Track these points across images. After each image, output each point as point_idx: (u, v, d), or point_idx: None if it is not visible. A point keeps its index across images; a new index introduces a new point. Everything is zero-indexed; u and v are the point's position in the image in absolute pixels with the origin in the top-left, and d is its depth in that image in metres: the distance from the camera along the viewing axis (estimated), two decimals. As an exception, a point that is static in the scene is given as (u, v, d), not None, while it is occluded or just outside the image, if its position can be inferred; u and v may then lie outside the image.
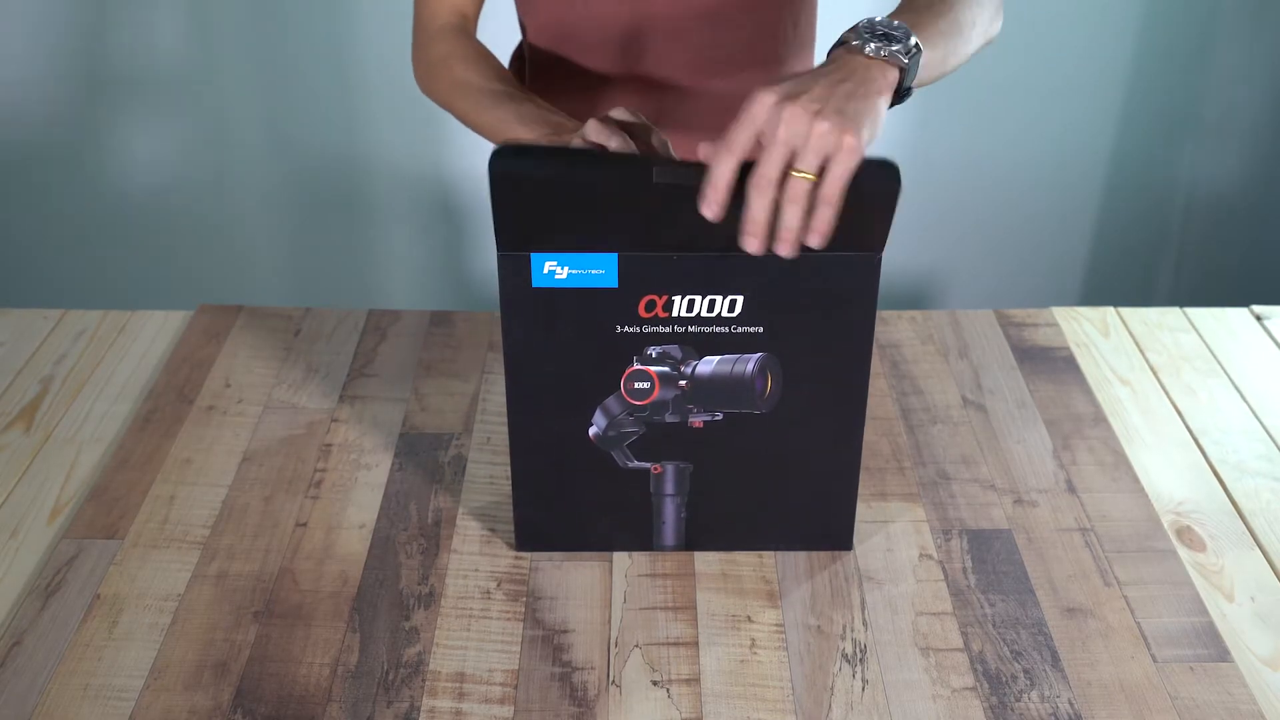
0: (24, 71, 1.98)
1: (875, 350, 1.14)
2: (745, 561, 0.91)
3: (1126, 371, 1.13)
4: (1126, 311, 1.22)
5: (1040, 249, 2.22)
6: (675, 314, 0.84)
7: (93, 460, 1.01)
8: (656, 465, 0.90)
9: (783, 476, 0.90)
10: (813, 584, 0.89)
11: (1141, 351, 1.16)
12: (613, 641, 0.85)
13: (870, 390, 1.09)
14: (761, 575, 0.90)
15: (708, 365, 0.85)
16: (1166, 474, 1.01)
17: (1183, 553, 0.92)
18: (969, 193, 2.15)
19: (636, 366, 0.86)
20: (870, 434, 1.04)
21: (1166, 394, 1.10)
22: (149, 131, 2.05)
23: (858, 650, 0.84)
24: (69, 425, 1.06)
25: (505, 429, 1.03)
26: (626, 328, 0.84)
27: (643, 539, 0.92)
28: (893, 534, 0.94)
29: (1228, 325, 1.20)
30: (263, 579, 0.89)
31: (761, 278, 0.82)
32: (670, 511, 0.91)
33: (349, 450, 1.02)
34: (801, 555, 0.91)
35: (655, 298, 0.83)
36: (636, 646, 0.84)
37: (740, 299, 0.83)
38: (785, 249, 0.75)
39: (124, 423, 1.06)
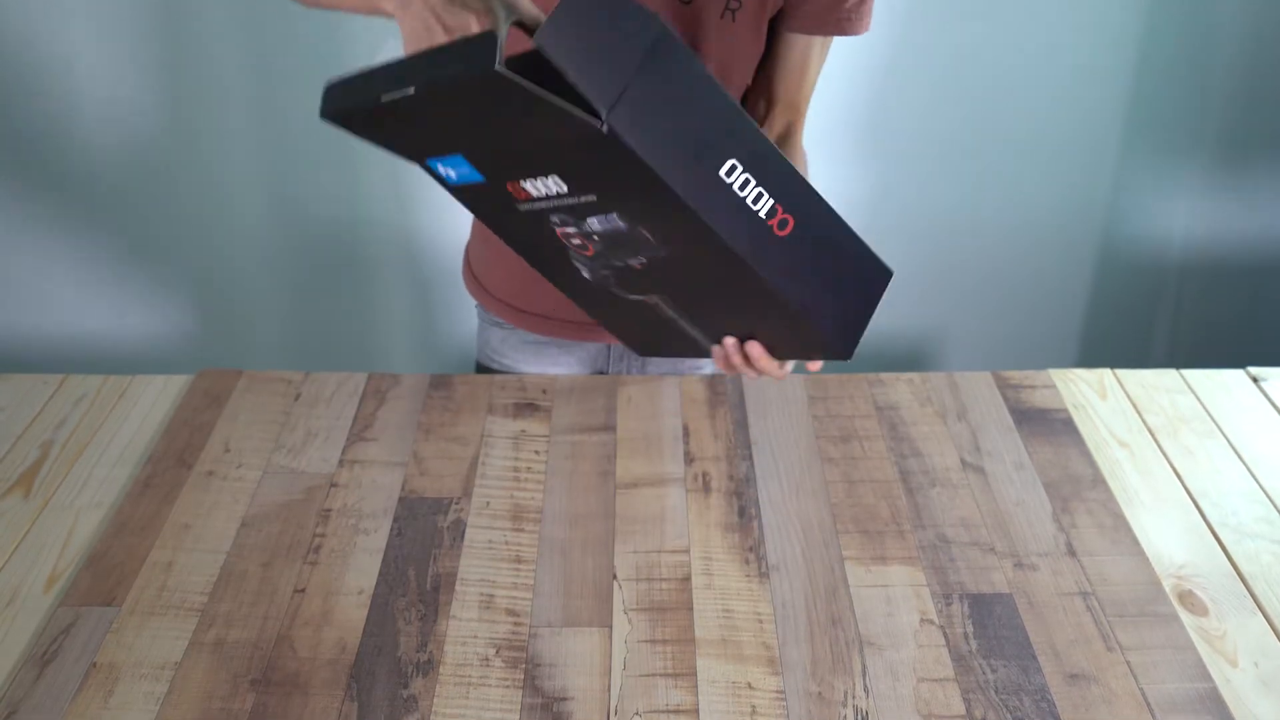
0: (19, 134, 2.00)
1: (873, 413, 1.15)
2: (745, 627, 0.90)
3: (1124, 433, 1.14)
4: (1123, 373, 1.23)
5: (1036, 311, 2.23)
6: (533, 195, 0.90)
7: (91, 526, 1.01)
8: (647, 297, 0.98)
9: (733, 298, 0.91)
10: (813, 649, 0.88)
11: (1139, 413, 1.17)
12: (612, 710, 0.84)
13: (868, 453, 1.10)
14: (762, 641, 0.89)
15: (595, 223, 0.90)
16: (1167, 536, 1.00)
17: (1185, 617, 0.92)
18: (965, 256, 2.17)
19: (559, 230, 0.93)
20: (869, 496, 1.04)
21: (1165, 456, 1.11)
22: (150, 196, 2.07)
23: (859, 718, 0.83)
24: (68, 491, 1.06)
25: (505, 495, 1.03)
26: (523, 206, 0.92)
27: (696, 348, 1.05)
28: (893, 598, 0.93)
29: (1224, 387, 1.21)
30: (260, 646, 0.88)
31: (552, 157, 0.84)
32: (688, 327, 1.01)
33: (348, 515, 1.02)
34: (802, 620, 0.91)
35: (511, 184, 0.90)
36: (636, 715, 0.84)
37: (555, 176, 0.86)
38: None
39: (123, 488, 1.06)
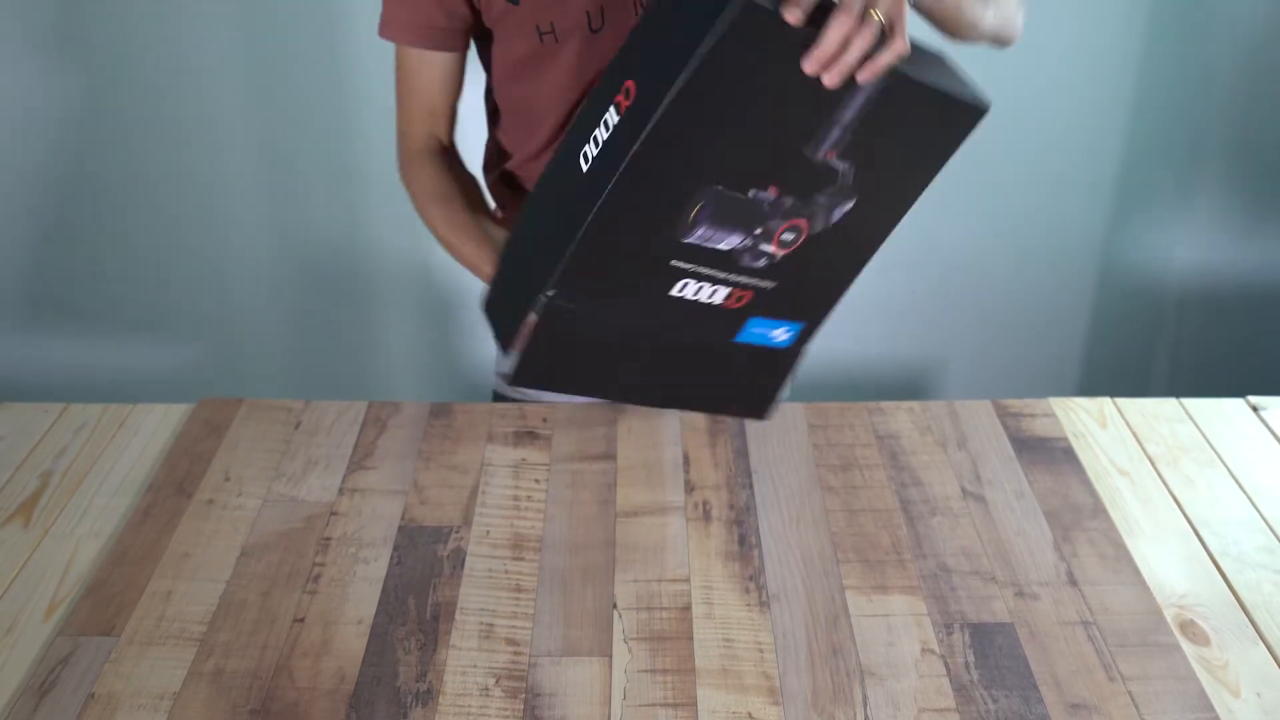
0: (20, 162, 2.01)
1: (873, 442, 1.15)
2: (746, 657, 0.90)
3: (1125, 462, 1.14)
4: (1123, 402, 1.23)
5: (1036, 339, 2.24)
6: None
7: (90, 555, 1.01)
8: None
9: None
10: (814, 679, 0.88)
11: (1139, 442, 1.17)
12: (612, 739, 0.84)
13: (869, 481, 1.10)
14: (762, 670, 0.89)
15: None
16: (1168, 566, 1.00)
17: (1186, 647, 0.91)
18: (965, 285, 2.17)
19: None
20: (870, 525, 1.04)
21: (1165, 485, 1.10)
22: (149, 224, 2.07)
23: (860, 748, 0.83)
24: (67, 520, 1.05)
25: (506, 524, 1.03)
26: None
27: None
28: (894, 628, 0.93)
29: (1224, 416, 1.21)
30: (259, 676, 0.88)
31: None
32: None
33: (348, 544, 1.02)
34: (803, 650, 0.91)
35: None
36: (636, 745, 0.83)
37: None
38: (837, 77, 0.79)
39: (123, 517, 1.06)
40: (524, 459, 1.13)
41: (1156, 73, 2.06)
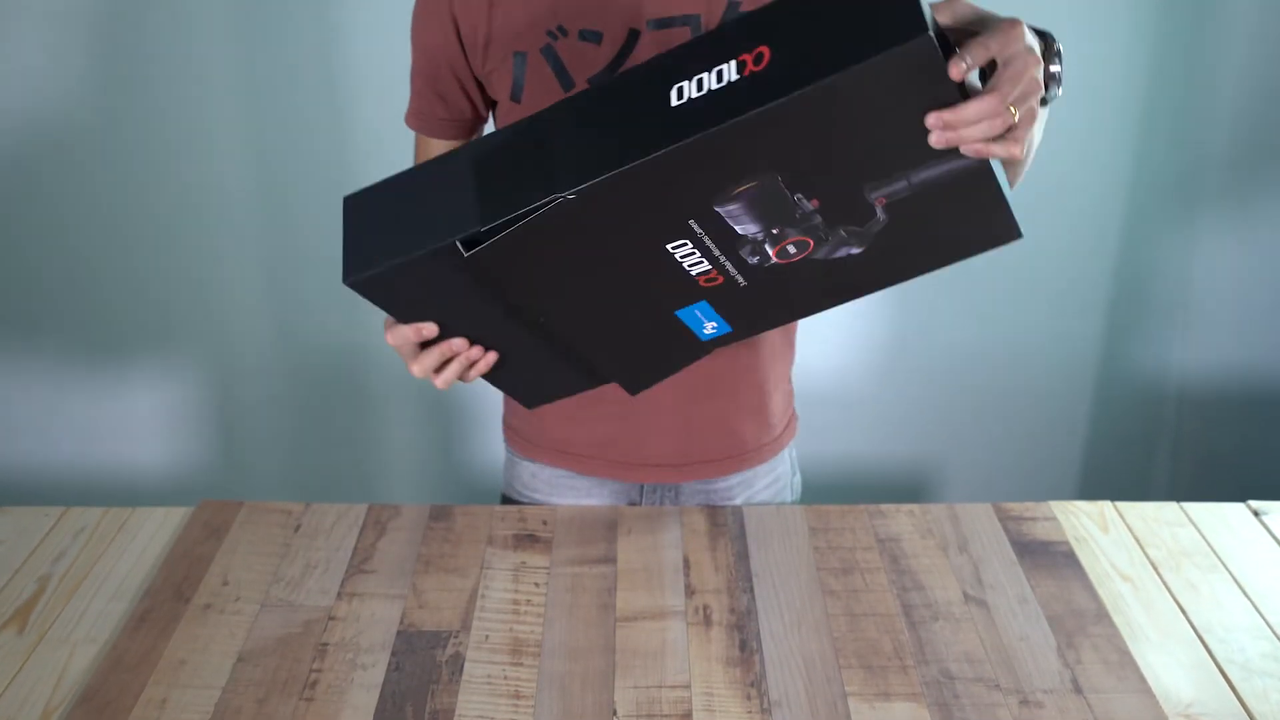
0: (26, 262, 2.04)
1: (874, 545, 1.15)
2: (748, 766, 0.89)
3: (1127, 567, 1.13)
4: (1124, 506, 1.23)
5: (1036, 442, 2.24)
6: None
7: (86, 662, 1.00)
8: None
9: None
10: (817, 790, 0.87)
11: (1141, 547, 1.16)
12: None
13: (870, 585, 1.09)
14: (765, 781, 0.87)
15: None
16: (1173, 673, 0.99)
17: (1195, 756, 0.90)
18: (965, 388, 2.18)
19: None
20: (872, 630, 1.03)
21: (1168, 590, 1.10)
22: (151, 331, 2.09)
23: None
24: (63, 625, 1.05)
25: (505, 628, 1.02)
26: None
27: None
28: (898, 737, 0.92)
29: (1225, 521, 1.20)
30: (253, 786, 0.87)
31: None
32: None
33: (345, 649, 1.01)
34: (805, 759, 0.89)
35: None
36: None
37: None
38: (946, 142, 0.81)
39: (119, 622, 1.05)
40: (524, 562, 1.12)
41: (1152, 181, 2.09)
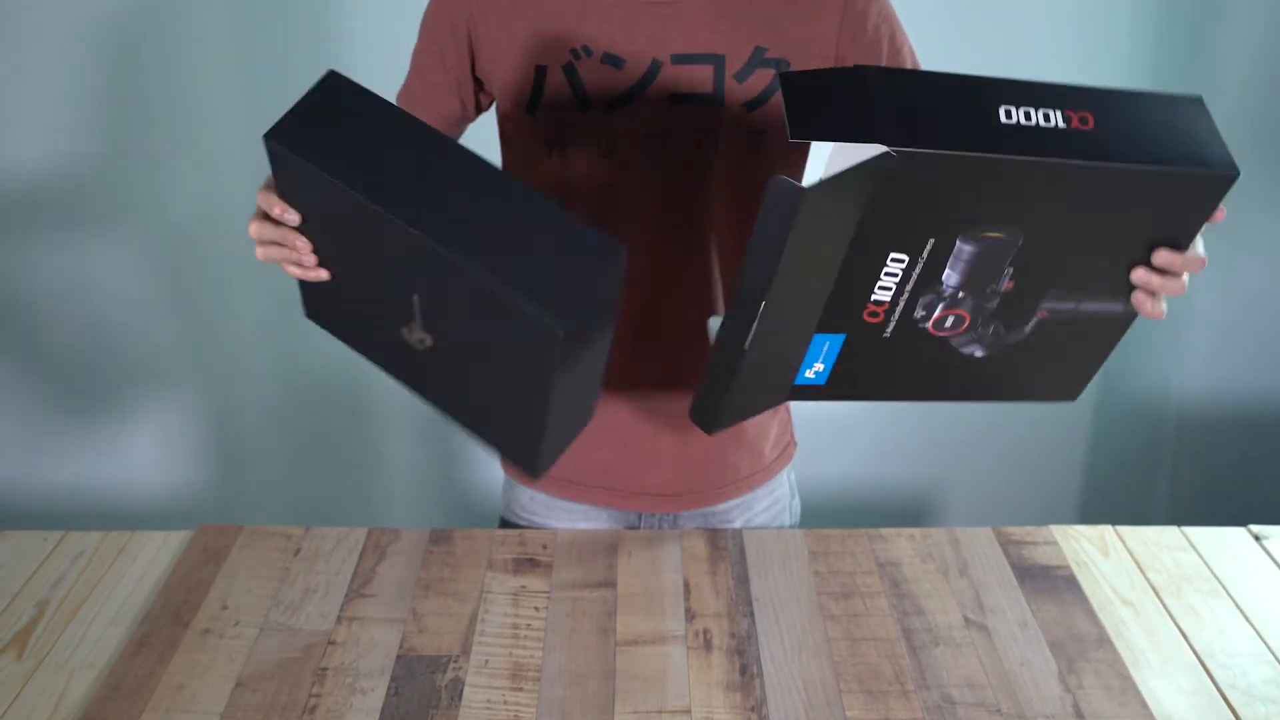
0: (33, 295, 2.04)
1: (874, 569, 1.14)
2: (748, 792, 0.88)
3: (1128, 591, 1.13)
4: (1125, 530, 1.23)
5: (1036, 466, 2.23)
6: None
7: (84, 688, 1.00)
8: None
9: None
10: (818, 817, 0.86)
11: (1142, 571, 1.16)
12: None
13: (871, 610, 1.09)
14: (765, 807, 0.87)
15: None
16: (1175, 699, 0.99)
17: (1197, 782, 0.90)
18: (964, 411, 2.18)
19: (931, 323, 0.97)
20: (872, 655, 1.03)
21: (1170, 615, 1.10)
22: (150, 353, 2.09)
23: None
24: (62, 650, 1.04)
25: (505, 653, 1.02)
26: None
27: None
28: (899, 762, 0.91)
29: (1226, 545, 1.20)
30: (251, 812, 0.86)
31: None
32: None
33: (345, 674, 1.01)
34: (806, 785, 0.89)
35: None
36: None
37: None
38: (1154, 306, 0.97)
39: (118, 647, 1.05)
40: (524, 586, 1.12)
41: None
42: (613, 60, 1.07)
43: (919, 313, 0.94)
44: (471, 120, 1.18)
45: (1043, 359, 0.99)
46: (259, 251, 1.00)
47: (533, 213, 0.86)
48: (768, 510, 1.29)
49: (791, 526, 1.34)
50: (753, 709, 0.97)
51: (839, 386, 1.00)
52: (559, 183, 1.14)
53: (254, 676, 1.00)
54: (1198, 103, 0.90)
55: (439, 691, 0.99)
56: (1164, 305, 0.96)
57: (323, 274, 0.99)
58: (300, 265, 0.98)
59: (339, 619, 1.07)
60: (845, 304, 0.93)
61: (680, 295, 1.17)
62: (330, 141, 0.89)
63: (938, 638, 1.05)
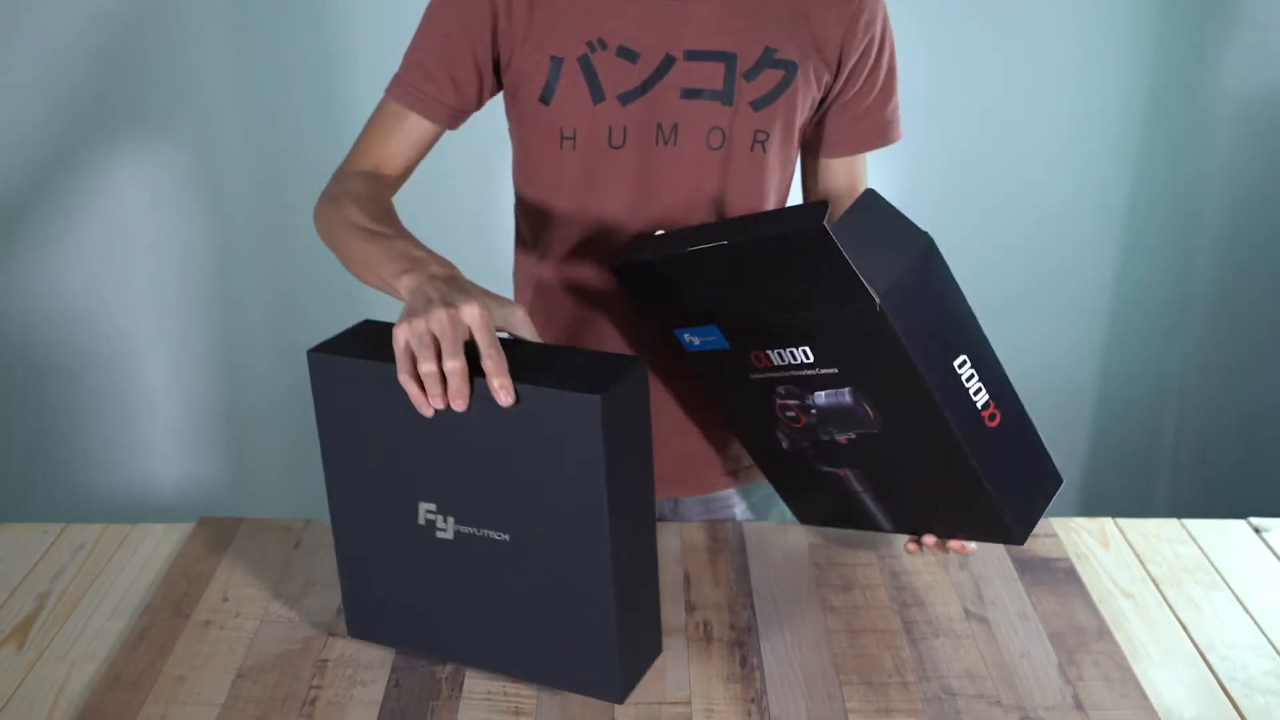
0: (28, 287, 2.04)
1: (875, 561, 1.14)
2: (749, 784, 0.88)
3: (1128, 583, 1.13)
4: (1125, 522, 1.23)
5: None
6: (775, 363, 1.01)
7: (84, 679, 1.00)
8: (840, 470, 1.06)
9: (930, 479, 1.00)
10: (818, 808, 0.86)
11: (1142, 563, 1.16)
12: None
13: (871, 601, 1.09)
14: (766, 798, 0.87)
15: (820, 398, 1.01)
16: (1175, 691, 0.99)
17: (1197, 773, 0.90)
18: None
19: (779, 402, 1.05)
20: (872, 646, 1.03)
21: (1170, 607, 1.10)
22: (150, 344, 2.09)
23: None
24: (62, 643, 1.04)
25: (504, 645, 1.01)
26: (755, 375, 1.04)
27: (872, 523, 1.11)
28: (899, 754, 0.91)
29: (1226, 537, 1.20)
30: (252, 804, 0.86)
31: (806, 331, 0.96)
32: (871, 504, 1.08)
33: (345, 666, 1.01)
34: (806, 777, 0.89)
35: (758, 352, 1.02)
36: None
37: (807, 349, 0.97)
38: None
39: (118, 639, 1.05)
40: (524, 579, 1.12)
41: (1151, 197, 2.10)
42: (627, 54, 1.09)
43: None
44: (472, 112, 1.18)
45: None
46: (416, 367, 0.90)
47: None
48: (769, 497, 1.30)
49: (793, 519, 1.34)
50: (753, 700, 0.97)
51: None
52: (568, 175, 1.14)
53: (254, 668, 1.00)
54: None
55: (439, 683, 0.99)
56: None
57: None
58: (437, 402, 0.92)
59: (339, 611, 1.08)
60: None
61: None
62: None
63: (938, 629, 1.05)
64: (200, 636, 1.04)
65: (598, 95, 1.09)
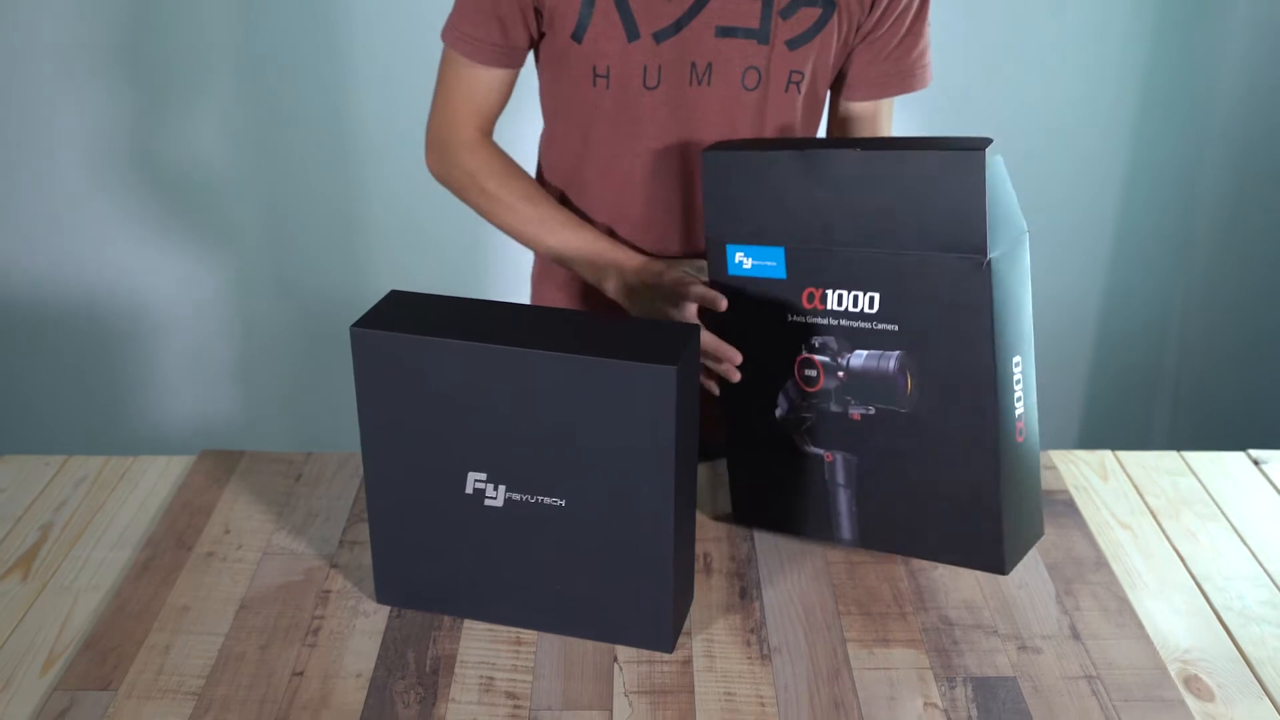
0: (37, 222, 2.03)
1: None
2: (747, 711, 0.89)
3: (1126, 515, 1.13)
4: (1124, 455, 1.23)
5: (1037, 392, 2.23)
6: (829, 306, 0.96)
7: (89, 609, 1.01)
8: (829, 453, 0.98)
9: (932, 485, 0.95)
10: (816, 735, 0.87)
11: (1140, 495, 1.17)
12: (613, 796, 0.83)
13: (871, 535, 1.08)
14: (764, 726, 0.88)
15: (858, 358, 0.95)
16: (1171, 620, 1.00)
17: (1191, 702, 0.91)
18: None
19: (804, 354, 0.98)
20: (871, 578, 1.03)
21: (1167, 538, 1.10)
22: (155, 278, 2.09)
23: (863, 804, 0.82)
24: (66, 573, 1.05)
25: (505, 575, 1.02)
26: (794, 317, 0.98)
27: (825, 528, 1.03)
28: (896, 681, 0.92)
29: (1225, 469, 1.21)
30: (257, 731, 0.87)
31: (890, 276, 0.91)
32: (843, 503, 0.99)
33: (347, 597, 1.01)
34: (805, 704, 0.90)
35: (814, 290, 0.96)
36: (637, 801, 0.82)
37: (876, 296, 0.92)
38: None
39: (122, 570, 1.06)
40: (525, 511, 1.12)
41: (1154, 128, 2.07)
42: None
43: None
44: (528, 52, 1.15)
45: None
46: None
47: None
48: None
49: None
50: (752, 630, 0.98)
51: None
52: (601, 114, 1.13)
53: (257, 599, 1.01)
54: None
55: (441, 614, 0.99)
56: None
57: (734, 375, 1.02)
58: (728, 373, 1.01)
59: (341, 543, 1.08)
60: None
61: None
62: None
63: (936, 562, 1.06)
64: (203, 568, 1.05)
65: (632, 33, 1.07)
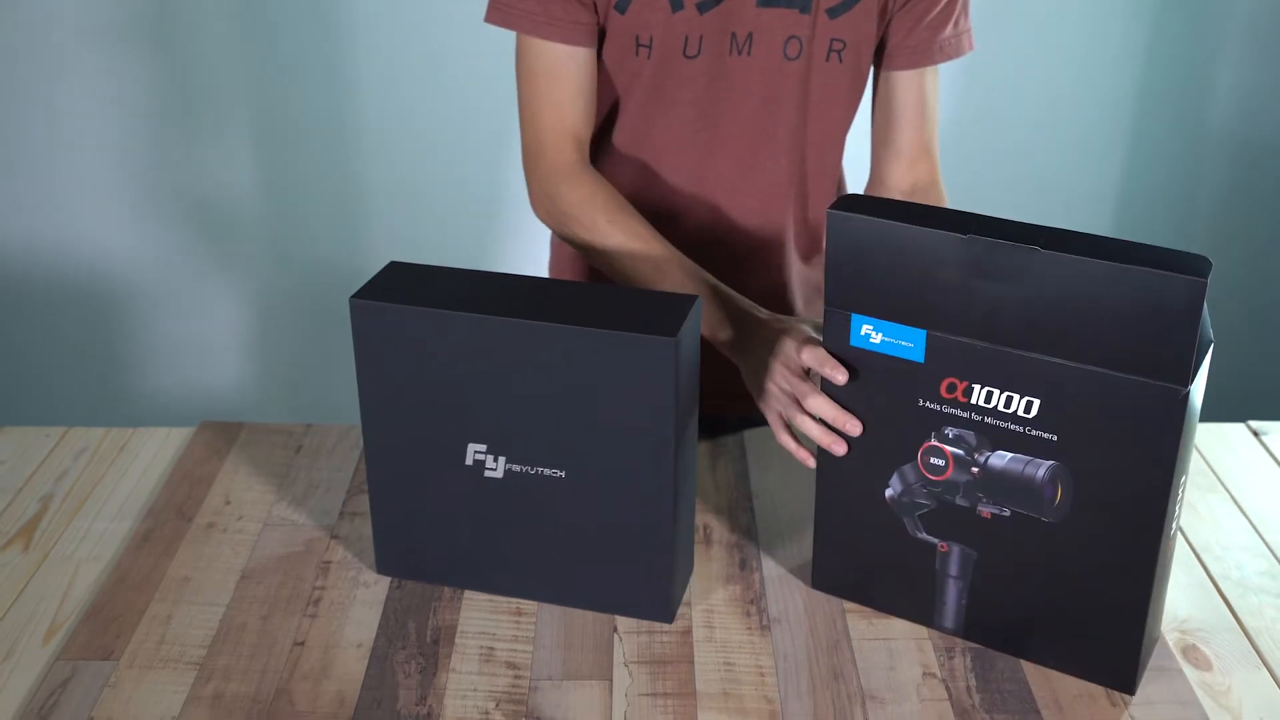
0: (37, 195, 2.02)
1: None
2: (747, 680, 0.90)
3: (1126, 486, 1.14)
4: (1124, 426, 1.23)
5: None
6: (973, 401, 0.87)
7: (90, 579, 1.01)
8: (944, 544, 0.92)
9: (1065, 594, 0.88)
10: (815, 703, 0.88)
11: (1140, 466, 1.17)
12: (613, 764, 0.83)
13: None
14: (763, 694, 0.89)
15: (1000, 459, 0.87)
16: (1170, 590, 1.00)
17: (1189, 672, 0.91)
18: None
19: (934, 442, 0.89)
20: (871, 550, 1.03)
21: (1167, 509, 1.10)
22: (156, 251, 2.08)
23: (862, 773, 0.82)
24: (67, 543, 1.05)
25: (505, 546, 1.02)
26: (928, 403, 0.88)
27: (924, 613, 0.95)
28: (895, 651, 0.93)
29: (1226, 441, 1.21)
30: (259, 700, 0.88)
31: (1060, 385, 0.83)
32: (952, 594, 0.93)
33: (348, 567, 1.02)
34: (804, 673, 0.90)
35: (956, 381, 0.87)
36: (637, 769, 0.83)
37: (1037, 402, 0.84)
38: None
39: (123, 541, 1.06)
40: (525, 482, 1.12)
41: (1156, 105, 2.07)
42: None
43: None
44: (599, 24, 1.10)
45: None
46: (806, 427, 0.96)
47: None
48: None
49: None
50: (752, 601, 0.98)
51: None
52: (644, 85, 1.12)
53: (258, 570, 1.01)
54: None
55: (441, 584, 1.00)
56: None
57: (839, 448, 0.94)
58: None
59: (341, 514, 1.08)
60: None
61: (753, 204, 1.18)
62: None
63: (936, 532, 1.06)
64: (203, 539, 1.05)
65: (676, 3, 1.06)
